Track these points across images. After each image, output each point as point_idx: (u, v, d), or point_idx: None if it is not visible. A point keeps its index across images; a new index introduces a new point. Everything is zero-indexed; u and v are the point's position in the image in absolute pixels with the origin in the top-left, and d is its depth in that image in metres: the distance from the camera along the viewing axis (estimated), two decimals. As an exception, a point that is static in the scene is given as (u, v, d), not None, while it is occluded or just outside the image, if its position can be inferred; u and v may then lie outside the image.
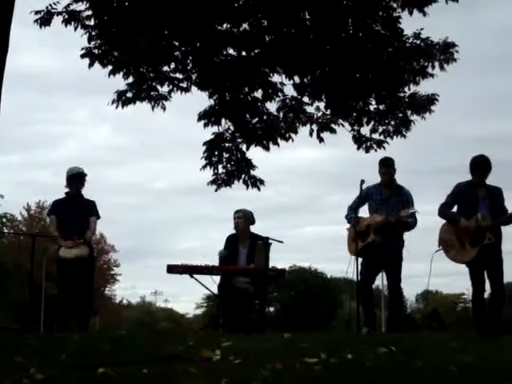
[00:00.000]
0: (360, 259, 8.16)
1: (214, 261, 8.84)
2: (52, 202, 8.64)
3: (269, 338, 5.53)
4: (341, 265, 8.86)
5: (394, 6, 9.46)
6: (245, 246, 8.80)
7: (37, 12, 9.27)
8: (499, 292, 7.54)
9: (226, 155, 11.10)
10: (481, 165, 7.60)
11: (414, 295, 65.78)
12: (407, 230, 8.11)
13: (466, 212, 7.57)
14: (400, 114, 10.48)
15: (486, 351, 4.38)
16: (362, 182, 8.25)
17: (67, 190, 8.33)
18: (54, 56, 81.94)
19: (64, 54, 65.29)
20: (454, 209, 7.77)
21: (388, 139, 10.69)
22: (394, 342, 4.37)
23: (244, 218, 8.84)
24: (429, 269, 8.29)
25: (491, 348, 4.70)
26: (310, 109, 10.60)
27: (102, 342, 4.58)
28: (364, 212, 8.41)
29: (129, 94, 9.98)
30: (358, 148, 10.75)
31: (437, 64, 9.98)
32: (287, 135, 10.58)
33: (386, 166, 8.25)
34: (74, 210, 8.23)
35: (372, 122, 10.62)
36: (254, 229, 8.98)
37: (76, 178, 8.26)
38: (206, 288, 8.87)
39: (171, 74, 10.18)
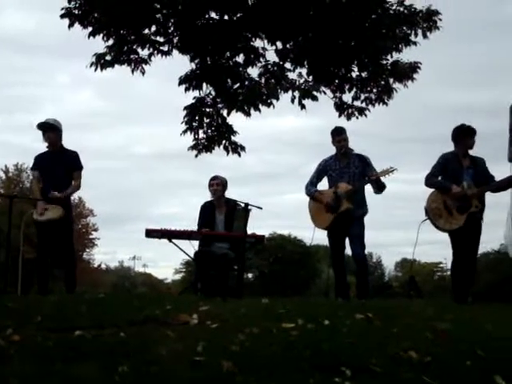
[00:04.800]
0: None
1: (193, 227, 8.85)
2: (35, 156, 8.29)
3: (246, 303, 5.54)
4: (321, 233, 8.88)
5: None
6: (221, 212, 8.77)
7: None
8: (474, 260, 7.72)
9: (206, 120, 11.07)
10: (467, 133, 7.68)
11: (392, 263, 66.54)
12: (381, 191, 8.11)
13: (451, 181, 7.63)
14: (382, 82, 10.49)
15: (461, 318, 4.42)
16: None
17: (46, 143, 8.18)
18: (36, 17, 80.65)
19: (46, 15, 64.38)
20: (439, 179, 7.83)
21: (370, 106, 10.71)
22: (370, 309, 4.39)
23: (222, 185, 8.82)
24: (414, 238, 8.29)
25: (466, 315, 4.75)
26: (292, 75, 10.56)
27: (78, 304, 4.56)
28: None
29: (108, 57, 9.88)
30: (340, 115, 10.77)
31: (420, 32, 9.96)
32: (268, 101, 10.53)
33: (339, 133, 8.24)
34: (56, 162, 8.04)
35: (354, 89, 10.63)
36: (232, 195, 8.97)
37: (43, 130, 8.10)
38: (185, 253, 8.87)
39: (152, 37, 10.08)
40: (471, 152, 7.78)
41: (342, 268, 8.24)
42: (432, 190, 7.81)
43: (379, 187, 8.05)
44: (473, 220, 7.53)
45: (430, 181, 7.79)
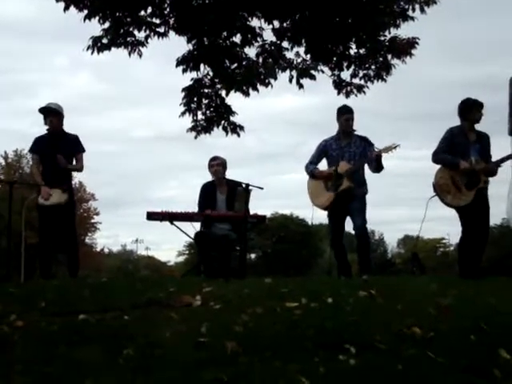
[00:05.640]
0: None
1: (194, 208, 8.83)
2: (34, 138, 8.19)
3: (249, 283, 5.54)
4: (323, 212, 8.88)
5: None
6: (222, 192, 8.76)
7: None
8: (485, 236, 7.63)
9: (205, 101, 11.01)
10: (475, 106, 7.62)
11: (395, 241, 66.78)
12: (379, 171, 8.07)
13: (459, 156, 7.56)
14: (380, 58, 10.40)
15: (464, 294, 4.42)
16: None
17: (47, 127, 8.12)
18: (35, 2, 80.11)
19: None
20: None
21: (368, 84, 10.64)
22: (373, 286, 4.39)
23: (222, 165, 8.82)
24: (416, 215, 8.27)
25: (470, 291, 4.74)
26: (289, 54, 10.48)
27: (82, 288, 4.57)
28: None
29: (104, 40, 9.81)
30: (339, 93, 10.70)
31: (417, 6, 9.87)
32: (266, 81, 10.48)
33: (348, 111, 8.22)
34: (57, 147, 7.96)
35: (352, 67, 10.55)
36: (233, 175, 8.96)
37: (44, 114, 8.05)
38: (187, 235, 8.86)
39: (148, 19, 10.00)
40: (477, 126, 7.72)
41: (341, 248, 8.24)
42: (439, 165, 7.74)
43: (378, 166, 8.01)
44: (481, 196, 7.49)
45: (437, 156, 7.69)
